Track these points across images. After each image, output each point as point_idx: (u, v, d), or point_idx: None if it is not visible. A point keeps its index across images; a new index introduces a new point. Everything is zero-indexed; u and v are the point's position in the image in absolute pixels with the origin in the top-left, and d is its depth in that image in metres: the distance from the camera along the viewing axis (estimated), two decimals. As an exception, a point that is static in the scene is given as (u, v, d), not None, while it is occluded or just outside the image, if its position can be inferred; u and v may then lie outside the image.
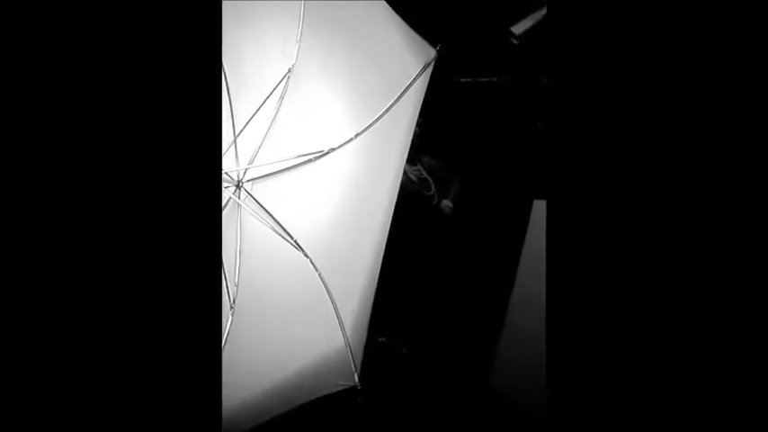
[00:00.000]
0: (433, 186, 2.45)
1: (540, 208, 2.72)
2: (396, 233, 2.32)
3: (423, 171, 2.46)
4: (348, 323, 1.77)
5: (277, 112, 1.78)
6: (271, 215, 1.73)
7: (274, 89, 1.76)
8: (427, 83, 1.84)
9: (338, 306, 1.76)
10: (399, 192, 2.21)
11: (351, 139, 1.76)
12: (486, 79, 3.20)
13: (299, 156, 1.79)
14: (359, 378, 1.78)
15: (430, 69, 1.84)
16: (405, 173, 2.35)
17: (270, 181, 1.79)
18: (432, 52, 1.86)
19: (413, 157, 2.43)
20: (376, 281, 1.80)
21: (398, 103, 1.79)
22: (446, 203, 2.52)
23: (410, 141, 1.80)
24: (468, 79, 3.20)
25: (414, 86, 1.82)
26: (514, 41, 2.81)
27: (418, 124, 2.32)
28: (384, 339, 2.70)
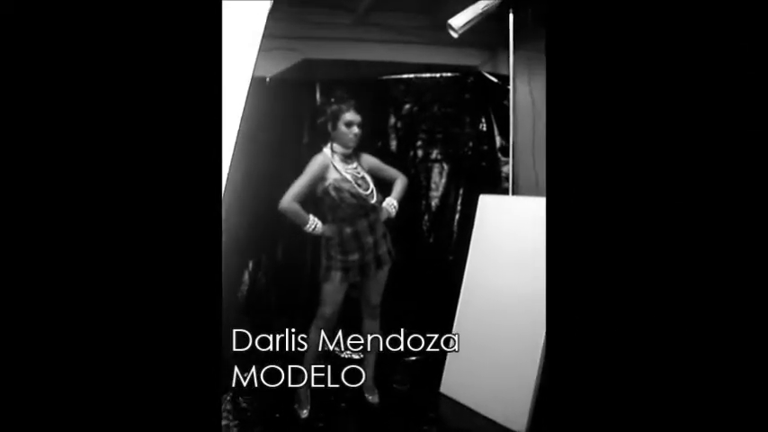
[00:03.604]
0: (371, 184, 2.34)
1: (485, 203, 2.67)
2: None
3: (360, 169, 2.35)
4: None
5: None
6: None
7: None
8: None
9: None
10: (333, 192, 2.19)
11: None
12: (427, 75, 3.15)
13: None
14: None
15: None
16: (338, 171, 2.26)
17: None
18: None
19: (350, 156, 2.33)
20: None
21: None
22: (390, 201, 2.40)
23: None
24: (410, 76, 3.14)
25: None
26: (454, 35, 2.75)
27: (358, 124, 2.24)
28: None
